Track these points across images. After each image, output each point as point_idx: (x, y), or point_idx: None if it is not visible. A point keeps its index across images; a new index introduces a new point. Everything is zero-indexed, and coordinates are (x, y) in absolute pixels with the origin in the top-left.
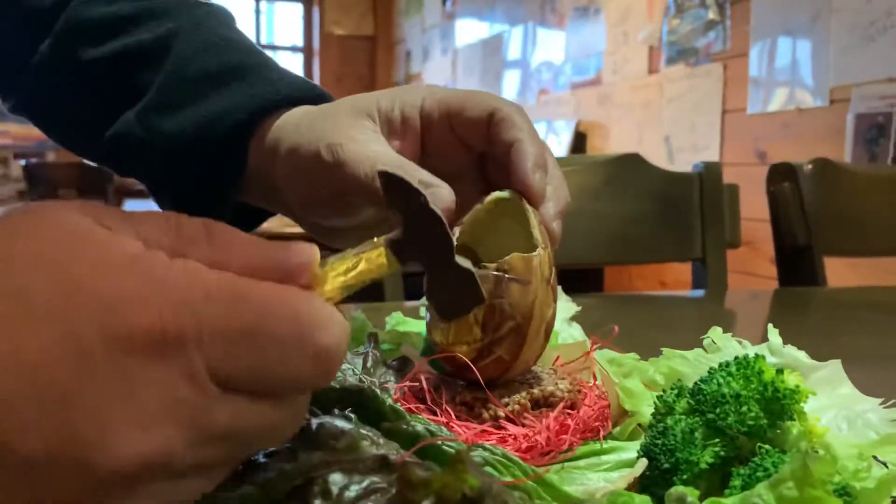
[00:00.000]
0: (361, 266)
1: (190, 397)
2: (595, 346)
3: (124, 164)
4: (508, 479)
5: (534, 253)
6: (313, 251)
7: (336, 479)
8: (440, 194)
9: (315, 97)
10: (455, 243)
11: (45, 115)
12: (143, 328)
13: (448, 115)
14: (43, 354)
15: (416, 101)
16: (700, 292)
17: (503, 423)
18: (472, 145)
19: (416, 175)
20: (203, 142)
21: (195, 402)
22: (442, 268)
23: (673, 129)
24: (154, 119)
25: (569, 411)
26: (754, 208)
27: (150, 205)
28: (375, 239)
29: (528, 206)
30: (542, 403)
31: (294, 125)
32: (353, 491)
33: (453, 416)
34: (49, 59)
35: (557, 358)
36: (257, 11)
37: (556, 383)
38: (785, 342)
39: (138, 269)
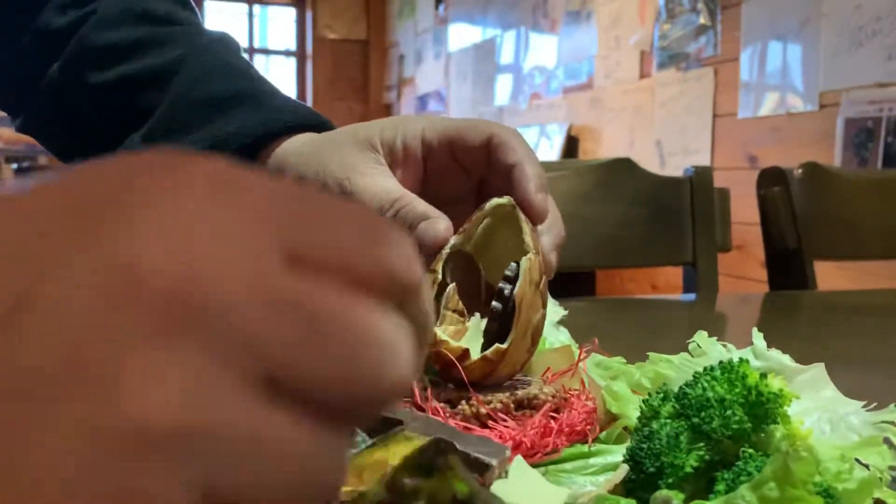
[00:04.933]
0: None
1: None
2: (583, 356)
3: None
4: None
5: (523, 257)
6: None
7: None
8: (436, 226)
9: (318, 125)
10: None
11: (52, 135)
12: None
13: (448, 144)
14: None
15: (416, 132)
16: (691, 296)
17: (488, 422)
18: (472, 171)
19: (417, 207)
20: None
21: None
22: None
23: (664, 133)
24: (159, 142)
25: (553, 415)
26: (745, 212)
27: None
28: None
29: (521, 216)
30: (526, 405)
31: (297, 153)
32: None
33: (441, 414)
34: (58, 82)
35: (548, 369)
36: (250, 15)
37: (541, 388)
38: (774, 345)
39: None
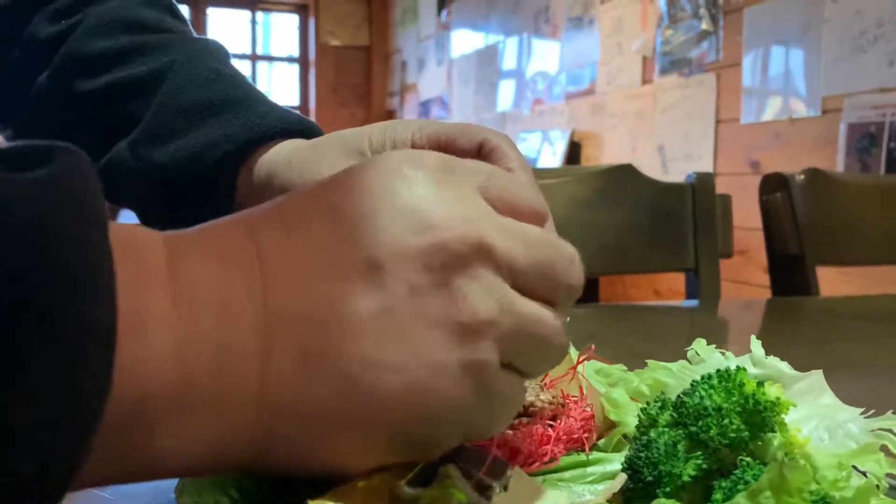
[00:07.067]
0: None
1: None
2: (580, 360)
3: (116, 192)
4: None
5: None
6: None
7: None
8: None
9: (305, 130)
10: None
11: None
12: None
13: (438, 148)
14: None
15: (406, 136)
16: (693, 302)
17: None
18: None
19: None
20: (193, 171)
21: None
22: None
23: (667, 138)
24: (146, 149)
25: (550, 422)
26: (748, 217)
27: None
28: None
29: None
30: (523, 413)
31: (286, 160)
32: None
33: None
34: (46, 91)
35: (546, 375)
36: (253, 22)
37: (538, 395)
38: (776, 351)
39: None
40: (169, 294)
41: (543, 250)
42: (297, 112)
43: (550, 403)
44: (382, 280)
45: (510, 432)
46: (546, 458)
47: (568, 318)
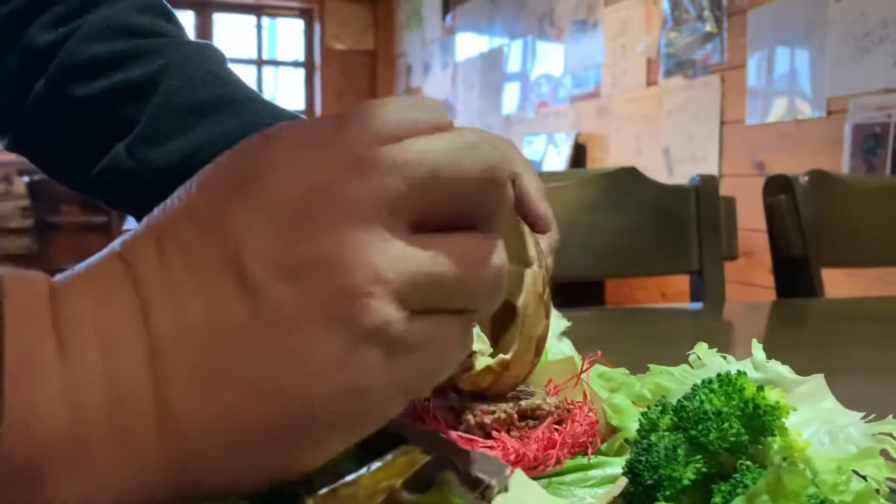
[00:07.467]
0: None
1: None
2: (586, 367)
3: (114, 196)
4: None
5: (527, 269)
6: None
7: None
8: None
9: None
10: None
11: (40, 151)
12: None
13: None
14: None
15: None
16: (698, 305)
17: (493, 433)
18: None
19: None
20: (191, 171)
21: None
22: None
23: (672, 140)
24: (143, 150)
25: (556, 427)
26: (753, 219)
27: None
28: None
29: (525, 228)
30: (529, 416)
31: None
32: None
33: (443, 424)
34: (43, 97)
35: (550, 381)
36: (259, 27)
37: (545, 398)
38: (781, 354)
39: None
40: (53, 335)
41: (428, 167)
42: (293, 111)
43: (557, 408)
44: (252, 280)
45: (516, 436)
46: (552, 462)
47: (569, 323)
